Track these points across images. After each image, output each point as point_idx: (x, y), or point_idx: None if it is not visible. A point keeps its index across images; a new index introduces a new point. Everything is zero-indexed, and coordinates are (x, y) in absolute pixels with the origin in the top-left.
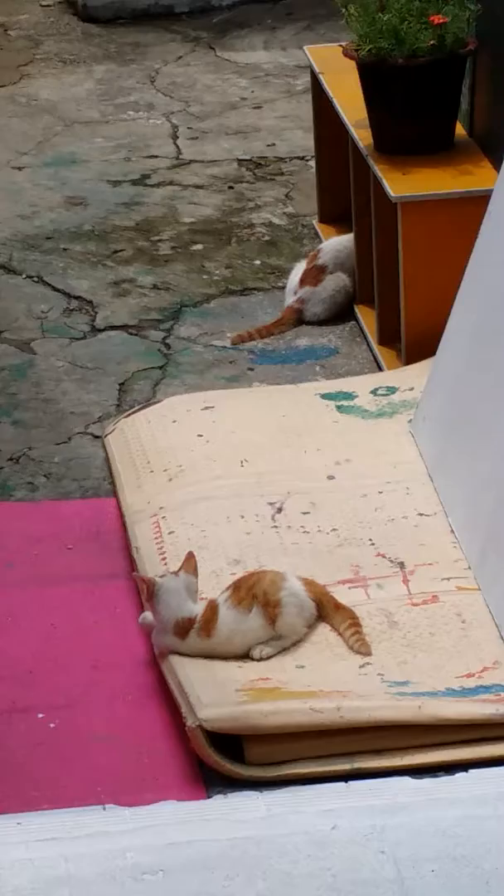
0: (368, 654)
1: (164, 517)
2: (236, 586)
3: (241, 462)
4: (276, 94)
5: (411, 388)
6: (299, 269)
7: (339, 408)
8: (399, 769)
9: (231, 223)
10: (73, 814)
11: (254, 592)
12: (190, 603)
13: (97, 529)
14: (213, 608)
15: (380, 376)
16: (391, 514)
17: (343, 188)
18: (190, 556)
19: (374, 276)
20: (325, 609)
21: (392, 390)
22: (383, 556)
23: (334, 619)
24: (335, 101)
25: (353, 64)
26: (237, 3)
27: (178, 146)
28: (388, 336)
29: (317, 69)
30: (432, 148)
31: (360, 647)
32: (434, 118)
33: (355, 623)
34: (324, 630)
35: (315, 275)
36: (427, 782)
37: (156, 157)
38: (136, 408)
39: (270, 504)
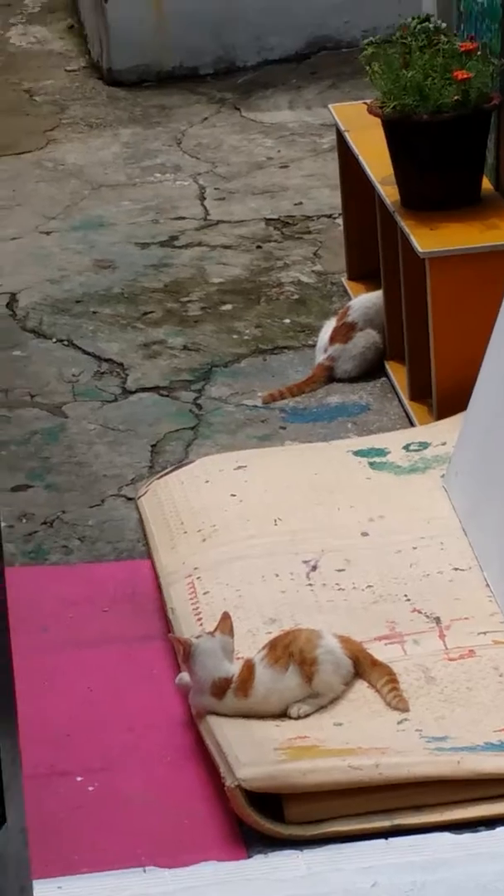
0: (406, 710)
1: (198, 577)
2: (272, 645)
3: (275, 521)
4: (303, 153)
5: (443, 443)
6: (329, 326)
7: (371, 464)
8: (439, 825)
9: (260, 282)
10: (113, 877)
11: (290, 651)
12: (226, 663)
13: (132, 591)
14: (249, 668)
15: (412, 432)
16: (426, 570)
17: (371, 245)
18: (225, 617)
19: (404, 331)
20: (362, 666)
21: (424, 445)
22: (419, 612)
23: (371, 676)
24: (361, 158)
25: (378, 121)
26: (261, 64)
27: (205, 207)
28: (420, 391)
29: (342, 127)
30: (459, 203)
31: (398, 703)
32: (460, 173)
33: (392, 679)
34: (361, 687)
35: (345, 332)
36: (467, 837)
37: (183, 218)
38: (169, 469)
39: (305, 562)
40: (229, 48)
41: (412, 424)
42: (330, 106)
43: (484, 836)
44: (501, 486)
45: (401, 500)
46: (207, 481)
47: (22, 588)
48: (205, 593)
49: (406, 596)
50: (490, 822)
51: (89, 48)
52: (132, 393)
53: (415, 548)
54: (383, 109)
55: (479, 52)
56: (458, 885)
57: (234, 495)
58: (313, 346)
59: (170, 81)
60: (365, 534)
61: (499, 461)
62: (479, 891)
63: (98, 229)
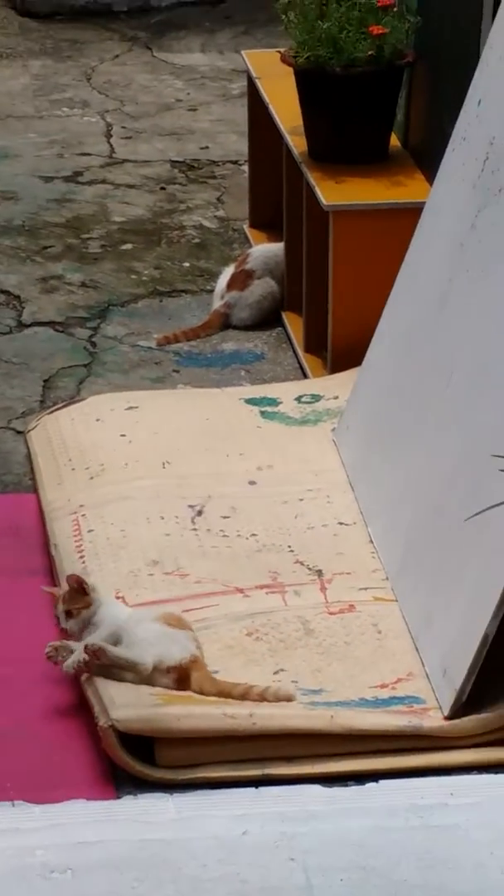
0: (292, 699)
1: (83, 515)
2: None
3: (163, 463)
4: (212, 97)
5: (336, 397)
6: (227, 273)
7: (262, 413)
8: (309, 777)
9: (161, 224)
10: None
11: None
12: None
13: (16, 525)
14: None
15: (305, 384)
16: (311, 522)
17: (275, 194)
18: None
19: (303, 283)
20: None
21: (316, 398)
22: (301, 564)
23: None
24: (271, 106)
25: (290, 70)
26: (176, 5)
27: (111, 145)
28: (315, 344)
29: (254, 74)
30: (367, 158)
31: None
32: (369, 128)
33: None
34: (239, 636)
35: (243, 279)
36: (337, 791)
37: (89, 154)
38: (60, 405)
39: (191, 506)
40: None
41: (306, 376)
42: (242, 52)
43: (353, 790)
44: (390, 443)
45: (290, 451)
46: (98, 420)
47: None
48: (89, 531)
49: (290, 547)
50: (359, 777)
51: None
52: (27, 326)
53: (301, 500)
54: (296, 59)
55: (395, 9)
56: (327, 838)
57: (124, 435)
58: (211, 291)
59: (83, 16)
60: (252, 482)
61: (389, 418)
62: (349, 845)
63: (2, 160)
